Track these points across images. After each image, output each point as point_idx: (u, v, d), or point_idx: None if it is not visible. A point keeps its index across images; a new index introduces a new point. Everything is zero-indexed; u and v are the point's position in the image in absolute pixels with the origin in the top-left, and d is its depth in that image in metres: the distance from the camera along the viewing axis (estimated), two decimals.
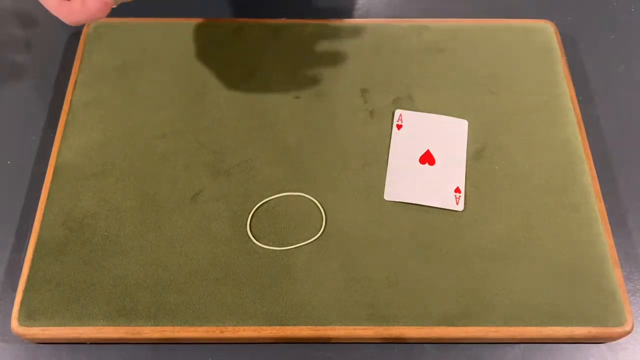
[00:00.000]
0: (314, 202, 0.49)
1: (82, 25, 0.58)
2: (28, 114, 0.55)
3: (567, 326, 0.44)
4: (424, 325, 0.44)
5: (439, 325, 0.44)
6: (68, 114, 0.53)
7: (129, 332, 0.44)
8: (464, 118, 0.53)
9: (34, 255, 0.46)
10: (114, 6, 0.42)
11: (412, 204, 0.49)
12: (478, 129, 0.53)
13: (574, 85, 0.56)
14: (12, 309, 0.44)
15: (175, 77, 0.55)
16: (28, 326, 0.44)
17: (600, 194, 0.49)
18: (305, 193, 0.49)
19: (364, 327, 0.44)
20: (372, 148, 0.52)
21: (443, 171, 0.51)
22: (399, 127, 0.53)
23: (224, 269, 0.46)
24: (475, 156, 0.52)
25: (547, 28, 0.59)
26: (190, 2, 0.63)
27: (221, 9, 0.62)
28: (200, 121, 0.53)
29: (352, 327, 0.44)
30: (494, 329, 0.44)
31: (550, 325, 0.44)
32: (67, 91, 0.54)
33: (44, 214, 0.48)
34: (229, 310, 0.44)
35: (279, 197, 0.49)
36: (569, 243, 0.47)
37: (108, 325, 0.44)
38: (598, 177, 0.51)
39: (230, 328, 0.44)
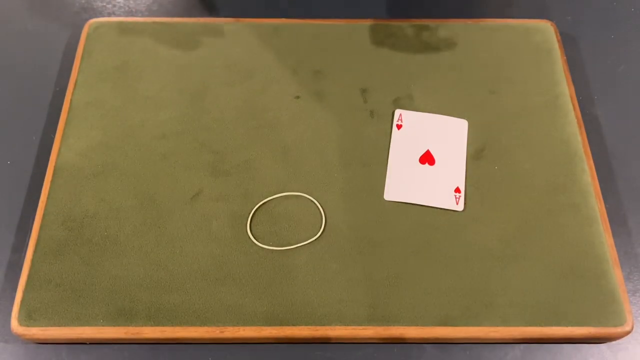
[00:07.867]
0: (314, 202, 0.49)
1: (82, 25, 0.58)
2: (28, 114, 0.55)
3: (567, 326, 0.44)
4: (424, 325, 0.44)
5: (439, 325, 0.44)
6: (68, 114, 0.53)
7: (129, 332, 0.44)
8: (464, 118, 0.53)
9: (34, 255, 0.46)
10: None
11: (412, 204, 0.49)
12: (478, 129, 0.53)
13: (574, 85, 0.56)
14: (12, 309, 0.44)
15: (175, 77, 0.55)
16: (28, 326, 0.44)
17: (600, 194, 0.49)
18: (305, 193, 0.49)
19: (364, 327, 0.44)
20: (372, 148, 0.52)
21: (443, 171, 0.51)
22: (399, 127, 0.53)
23: (224, 269, 0.46)
24: (475, 156, 0.52)
25: (547, 28, 0.59)
26: (190, 2, 0.63)
27: (221, 9, 0.62)
28: (200, 121, 0.53)
29: (352, 327, 0.44)
30: (494, 329, 0.44)
31: (550, 325, 0.44)
32: (67, 91, 0.54)
33: (44, 214, 0.48)
34: (229, 310, 0.44)
35: (279, 197, 0.49)
36: (569, 243, 0.47)
37: (108, 325, 0.44)
38: (598, 177, 0.51)
39: (230, 328, 0.44)
